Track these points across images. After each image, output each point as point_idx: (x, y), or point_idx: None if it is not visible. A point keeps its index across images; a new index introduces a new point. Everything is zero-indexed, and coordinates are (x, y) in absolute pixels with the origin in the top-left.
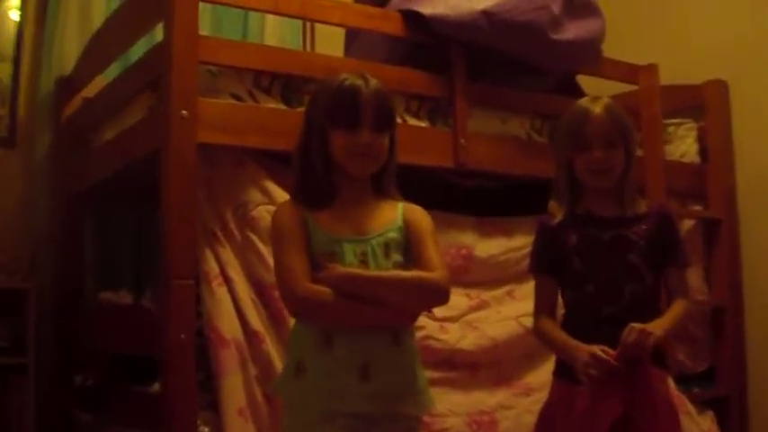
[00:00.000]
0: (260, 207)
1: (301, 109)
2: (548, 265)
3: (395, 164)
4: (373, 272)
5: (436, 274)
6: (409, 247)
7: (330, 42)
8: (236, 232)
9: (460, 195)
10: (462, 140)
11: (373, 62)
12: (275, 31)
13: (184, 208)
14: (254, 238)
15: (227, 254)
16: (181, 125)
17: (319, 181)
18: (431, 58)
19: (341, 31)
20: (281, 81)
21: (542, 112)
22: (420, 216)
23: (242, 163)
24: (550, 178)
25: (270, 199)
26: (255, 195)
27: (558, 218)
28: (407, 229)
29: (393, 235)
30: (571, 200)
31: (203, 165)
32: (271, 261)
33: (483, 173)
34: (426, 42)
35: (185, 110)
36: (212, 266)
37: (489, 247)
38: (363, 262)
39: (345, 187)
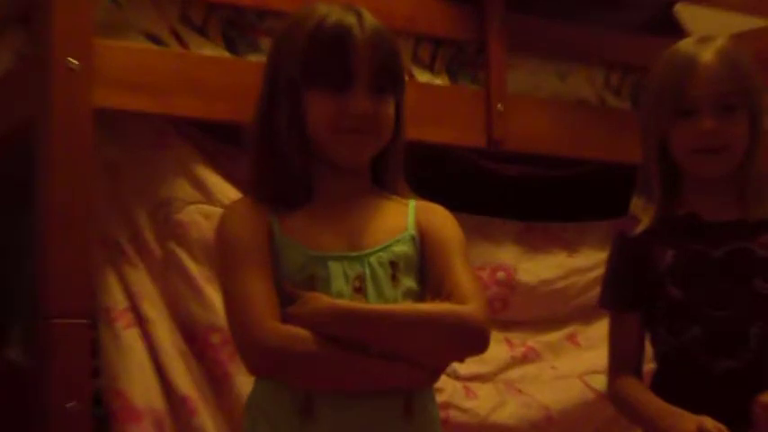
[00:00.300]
0: (190, 207)
1: (255, 58)
2: (630, 295)
3: (403, 143)
4: (375, 305)
5: (470, 306)
6: (426, 267)
7: None
8: (153, 245)
9: (497, 189)
10: (499, 105)
11: None
12: None
13: (72, 208)
14: (182, 253)
15: (140, 279)
16: (67, 81)
17: (290, 168)
18: None
19: None
20: (223, 15)
21: (623, 61)
22: (442, 219)
23: (163, 140)
24: (634, 164)
25: (206, 195)
26: (184, 189)
27: (645, 224)
28: (423, 240)
29: (402, 249)
30: (666, 196)
31: (103, 142)
32: (207, 289)
33: (530, 155)
34: None
35: (74, 57)
36: (117, 298)
37: (539, 268)
38: (359, 290)
39: (329, 179)
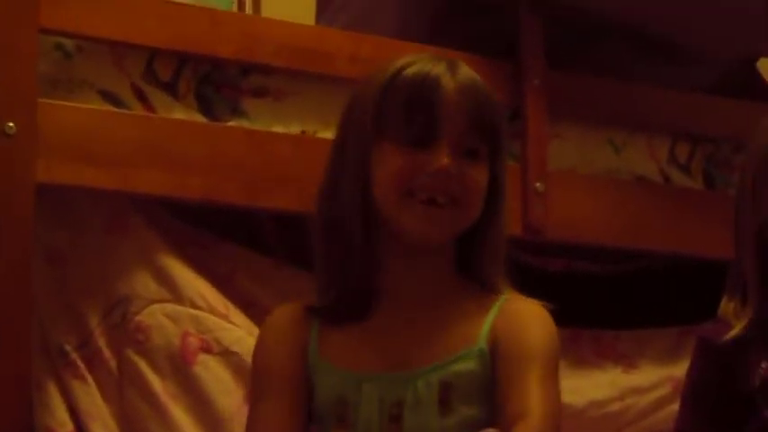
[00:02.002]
0: (153, 307)
1: (236, 123)
2: (719, 418)
3: (502, 223)
4: None
5: (530, 424)
6: (495, 385)
7: (285, 1)
8: (107, 353)
9: (535, 288)
10: (538, 185)
11: (378, 36)
12: None
13: (7, 307)
14: (142, 364)
15: (90, 395)
16: (4, 150)
17: (354, 255)
18: (480, 33)
19: None
20: (197, 70)
21: (692, 129)
22: (527, 319)
23: (121, 224)
24: (708, 258)
25: (173, 292)
26: (145, 285)
27: (737, 330)
28: (495, 350)
29: (465, 367)
30: (764, 298)
31: (47, 226)
32: (173, 408)
33: (577, 247)
34: (473, 1)
35: (12, 121)
36: (60, 419)
37: (588, 387)
38: (395, 420)
39: (400, 267)
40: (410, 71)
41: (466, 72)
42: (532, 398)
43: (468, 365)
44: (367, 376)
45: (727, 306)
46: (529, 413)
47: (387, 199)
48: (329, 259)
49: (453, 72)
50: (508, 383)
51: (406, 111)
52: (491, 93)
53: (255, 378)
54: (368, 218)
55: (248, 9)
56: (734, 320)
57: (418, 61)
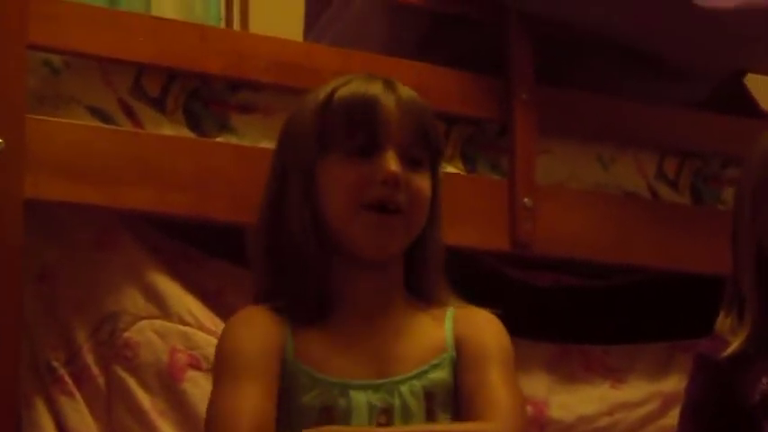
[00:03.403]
0: (142, 323)
1: (224, 139)
2: None
3: (440, 233)
4: (381, 429)
5: (496, 424)
6: (458, 385)
7: (273, 16)
8: (95, 370)
9: (523, 303)
10: (526, 200)
11: (366, 52)
12: None
13: None
14: (131, 381)
15: (77, 411)
16: None
17: (303, 264)
18: (468, 48)
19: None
20: (186, 85)
21: (680, 145)
22: (482, 323)
23: (109, 240)
24: (695, 273)
25: (162, 308)
26: (134, 301)
27: (736, 346)
28: (461, 353)
29: (440, 375)
30: (763, 313)
31: (35, 242)
32: (162, 426)
33: (565, 261)
34: (461, 16)
35: (0, 137)
36: None
37: (576, 402)
38: (384, 425)
39: (351, 280)
40: (346, 90)
41: (403, 89)
42: (499, 395)
43: (442, 374)
44: (353, 383)
45: (723, 322)
46: (497, 408)
47: (338, 212)
48: (279, 271)
49: (391, 88)
50: (473, 385)
51: (348, 123)
52: (428, 105)
53: (222, 362)
54: (318, 232)
55: (236, 25)
56: (731, 336)
57: (353, 80)
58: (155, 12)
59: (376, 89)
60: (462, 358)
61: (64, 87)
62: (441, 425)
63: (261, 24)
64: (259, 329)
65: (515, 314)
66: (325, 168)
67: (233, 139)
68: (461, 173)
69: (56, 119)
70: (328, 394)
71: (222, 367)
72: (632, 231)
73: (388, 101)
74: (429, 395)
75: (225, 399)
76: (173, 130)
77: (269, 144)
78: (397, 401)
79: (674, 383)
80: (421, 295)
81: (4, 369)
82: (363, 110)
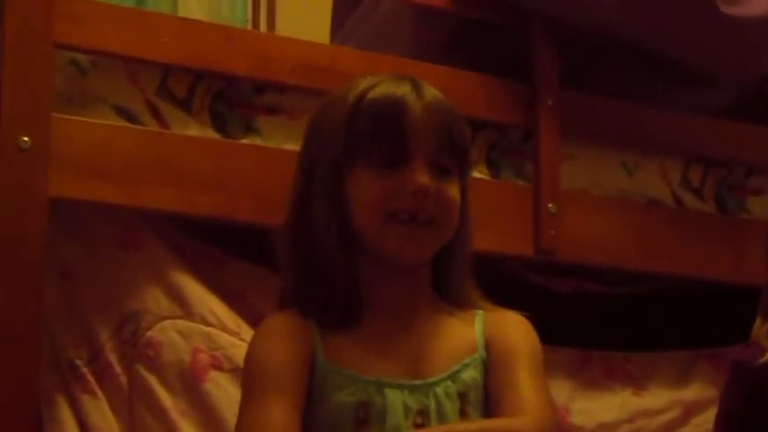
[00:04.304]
0: (164, 323)
1: (249, 141)
2: None
3: (470, 238)
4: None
5: (525, 419)
6: (486, 387)
7: (300, 18)
8: (117, 369)
9: (546, 310)
10: (551, 205)
11: (391, 56)
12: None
13: (18, 321)
14: (153, 380)
15: (99, 410)
16: (17, 163)
17: (332, 271)
18: (492, 53)
19: (320, 1)
20: (212, 87)
21: (705, 153)
22: (511, 325)
23: (133, 239)
24: (728, 283)
25: (184, 308)
26: (157, 301)
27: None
28: (490, 354)
29: (472, 375)
30: None
31: (58, 241)
32: (183, 425)
33: (588, 268)
34: (486, 21)
35: (27, 135)
36: None
37: (597, 409)
38: (420, 427)
39: (381, 286)
40: (374, 94)
41: (431, 90)
42: (528, 394)
43: (474, 374)
44: (388, 382)
45: (760, 329)
46: (526, 407)
47: (368, 223)
48: (307, 276)
49: (418, 91)
50: (501, 385)
51: (375, 135)
52: (456, 109)
53: (251, 374)
54: (346, 241)
55: (263, 27)
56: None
57: (381, 83)
58: (181, 13)
59: (404, 91)
60: (491, 358)
61: (90, 87)
62: (473, 423)
63: (287, 26)
64: (287, 338)
65: (538, 320)
66: (353, 178)
67: (258, 141)
68: (486, 178)
69: (82, 118)
70: (364, 391)
71: (251, 379)
72: (656, 239)
73: (415, 108)
74: (462, 396)
75: (253, 414)
76: (198, 131)
77: (294, 146)
78: (432, 403)
79: (696, 392)
80: (449, 298)
81: (26, 367)
82: (391, 120)
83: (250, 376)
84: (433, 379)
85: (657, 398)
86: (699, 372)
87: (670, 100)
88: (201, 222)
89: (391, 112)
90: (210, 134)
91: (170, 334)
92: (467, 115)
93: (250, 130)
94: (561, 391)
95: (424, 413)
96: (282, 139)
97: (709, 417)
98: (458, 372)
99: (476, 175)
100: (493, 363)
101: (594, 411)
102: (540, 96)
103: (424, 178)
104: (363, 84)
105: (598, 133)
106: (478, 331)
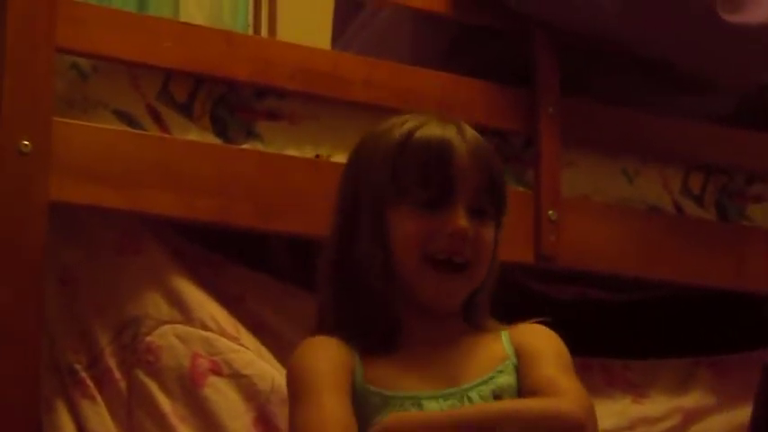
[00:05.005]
0: (164, 328)
1: (250, 146)
2: None
3: (496, 273)
4: (461, 408)
5: (568, 399)
6: (520, 388)
7: (301, 24)
8: (116, 374)
9: (549, 316)
10: (551, 212)
11: (392, 62)
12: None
13: (17, 326)
14: (152, 385)
15: (98, 415)
16: (18, 167)
17: (373, 302)
18: (493, 59)
19: (322, 6)
20: (213, 91)
21: (706, 160)
22: (539, 334)
23: (133, 244)
24: (729, 290)
25: (184, 313)
26: (157, 306)
27: None
28: (521, 359)
29: (506, 379)
30: None
31: (58, 245)
32: (182, 430)
33: (588, 275)
34: (487, 27)
35: (27, 139)
36: None
37: (598, 416)
38: None
39: (417, 324)
40: (422, 134)
41: (473, 134)
42: (562, 383)
43: (508, 379)
44: (425, 394)
45: None
46: (563, 392)
47: (406, 261)
48: (347, 303)
49: (463, 135)
50: (535, 382)
51: (422, 173)
52: (496, 153)
53: (300, 380)
54: (387, 275)
55: (264, 32)
56: None
57: (428, 123)
58: (183, 18)
59: (451, 135)
60: (522, 362)
61: (92, 91)
62: (515, 401)
63: (288, 32)
64: (331, 352)
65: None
66: (396, 215)
67: (259, 146)
68: None
69: (83, 122)
70: (402, 407)
71: (300, 385)
72: (656, 246)
73: (461, 151)
74: (497, 398)
75: (309, 411)
76: (199, 136)
77: (294, 151)
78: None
79: (696, 399)
80: (475, 325)
81: (25, 371)
82: (438, 163)
83: (299, 381)
84: (468, 385)
85: (657, 405)
86: (699, 379)
87: (670, 106)
88: (201, 227)
89: (439, 154)
90: (211, 139)
91: (169, 339)
92: (467, 122)
93: (251, 135)
94: None
95: None
96: (283, 145)
97: (708, 424)
98: (491, 378)
99: None
100: (524, 365)
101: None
102: (540, 103)
103: (463, 221)
104: (410, 123)
105: (599, 140)
106: (506, 343)
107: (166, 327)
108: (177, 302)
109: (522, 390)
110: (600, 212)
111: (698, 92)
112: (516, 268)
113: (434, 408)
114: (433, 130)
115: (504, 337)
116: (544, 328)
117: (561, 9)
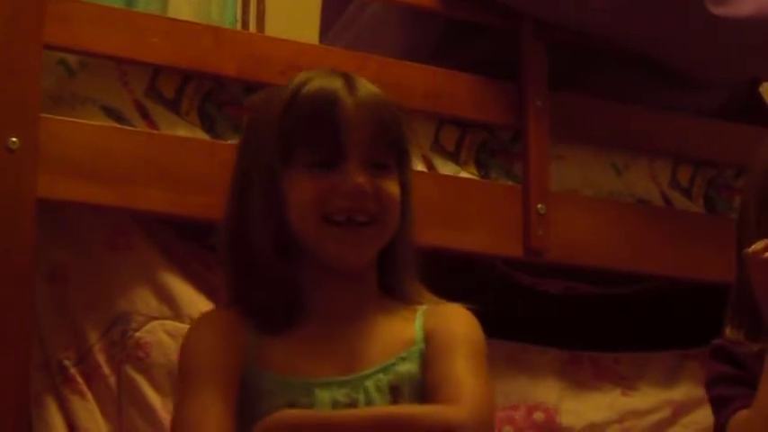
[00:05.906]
0: (153, 324)
1: (236, 141)
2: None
3: (412, 234)
4: (335, 411)
5: (458, 407)
6: (424, 377)
7: (290, 20)
8: (106, 370)
9: (535, 310)
10: (540, 206)
11: (380, 56)
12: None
13: (6, 322)
14: (142, 381)
15: (88, 411)
16: (5, 165)
17: (267, 275)
18: (482, 54)
19: (310, 2)
20: (201, 87)
21: (694, 153)
22: (455, 318)
23: (122, 240)
24: (707, 282)
25: (173, 309)
26: (146, 302)
27: (755, 349)
28: (429, 346)
29: (407, 368)
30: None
31: (47, 241)
32: None
33: (577, 268)
34: (475, 22)
35: (15, 135)
36: None
37: (586, 409)
38: None
39: (323, 288)
40: (306, 90)
41: (365, 85)
42: (465, 382)
43: (410, 367)
44: (317, 381)
45: (731, 332)
46: (461, 395)
47: (305, 226)
48: (244, 277)
49: (351, 86)
50: (439, 375)
51: (307, 132)
52: (392, 101)
53: (185, 370)
54: (283, 244)
55: (252, 27)
56: (749, 345)
57: (313, 79)
58: (171, 13)
59: (335, 87)
60: (430, 350)
61: (79, 87)
62: (401, 407)
63: (277, 27)
64: (221, 332)
65: (527, 320)
66: (289, 180)
67: None
68: (475, 178)
69: (71, 119)
70: (291, 394)
71: (184, 376)
72: (645, 239)
73: (347, 104)
74: (394, 389)
75: (187, 408)
76: (187, 131)
77: None
78: (361, 396)
79: (685, 391)
80: (395, 295)
81: (15, 368)
82: (322, 119)
83: (183, 373)
84: (364, 373)
85: (647, 398)
86: (688, 372)
87: (659, 100)
88: (191, 223)
89: (322, 109)
90: (199, 135)
91: (159, 335)
92: (456, 116)
93: (239, 130)
94: (550, 391)
95: (352, 407)
96: None
97: (698, 417)
98: (392, 364)
99: (465, 175)
100: (431, 354)
101: (584, 411)
102: (529, 97)
103: (359, 177)
104: (296, 80)
105: (587, 134)
106: (418, 326)
107: (156, 323)
108: (167, 298)
109: (427, 379)
110: (589, 206)
111: (686, 85)
112: (505, 262)
113: (326, 397)
114: (317, 84)
115: (418, 318)
116: (463, 311)
117: (549, 3)
